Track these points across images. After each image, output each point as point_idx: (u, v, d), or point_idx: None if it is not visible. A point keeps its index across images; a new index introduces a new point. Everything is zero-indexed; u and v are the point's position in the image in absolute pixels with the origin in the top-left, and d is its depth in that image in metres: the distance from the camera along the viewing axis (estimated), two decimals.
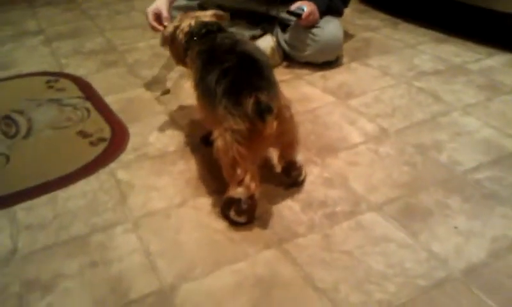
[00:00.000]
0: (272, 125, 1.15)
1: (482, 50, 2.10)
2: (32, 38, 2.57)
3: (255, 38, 2.12)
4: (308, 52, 2.00)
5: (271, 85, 1.20)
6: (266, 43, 2.07)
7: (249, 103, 1.12)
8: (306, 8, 1.94)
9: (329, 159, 1.47)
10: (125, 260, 1.15)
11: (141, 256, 1.16)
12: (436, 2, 2.30)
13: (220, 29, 1.43)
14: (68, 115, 1.77)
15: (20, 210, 1.34)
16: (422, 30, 2.33)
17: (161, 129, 1.67)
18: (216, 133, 1.19)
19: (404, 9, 2.50)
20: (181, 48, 1.46)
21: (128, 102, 1.85)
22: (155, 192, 1.38)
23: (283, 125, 1.21)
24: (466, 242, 1.16)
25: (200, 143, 1.56)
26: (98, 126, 1.69)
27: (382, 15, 2.56)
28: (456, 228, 1.20)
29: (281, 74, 2.00)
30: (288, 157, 1.35)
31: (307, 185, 1.37)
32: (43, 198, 1.38)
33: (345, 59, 2.08)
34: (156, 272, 1.12)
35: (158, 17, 1.81)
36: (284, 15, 2.02)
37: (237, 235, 1.21)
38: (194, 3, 2.19)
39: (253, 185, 1.17)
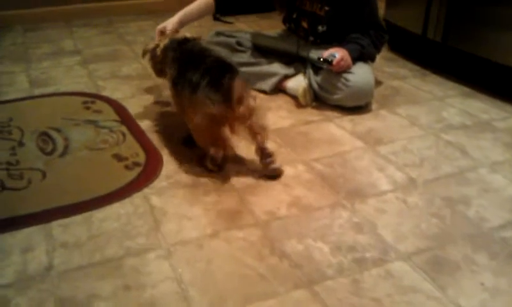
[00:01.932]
0: (241, 109, 1.53)
1: (509, 108, 2.13)
2: (70, 58, 2.65)
3: (287, 77, 2.18)
4: (339, 96, 2.05)
5: (240, 80, 1.55)
6: (298, 83, 2.13)
7: (227, 92, 1.50)
8: (338, 54, 2.00)
9: (358, 204, 1.50)
10: (158, 287, 1.18)
11: (174, 284, 1.19)
12: (464, 58, 2.35)
13: (187, 41, 1.78)
14: (104, 137, 1.82)
15: (56, 227, 1.38)
16: (450, 83, 2.38)
17: (193, 159, 1.71)
18: (196, 116, 1.54)
19: (433, 61, 2.55)
20: (159, 62, 1.85)
21: (163, 129, 1.90)
22: (188, 221, 1.41)
23: (250, 110, 1.56)
24: (492, 299, 1.17)
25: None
26: (133, 150, 1.74)
27: (410, 65, 2.61)
28: (482, 284, 1.22)
29: (310, 115, 2.05)
30: (259, 143, 1.62)
31: (336, 228, 1.39)
32: (79, 217, 1.42)
33: (374, 106, 2.13)
34: (188, 302, 1.14)
35: (163, 34, 2.02)
36: (314, 57, 2.09)
37: (268, 272, 1.23)
38: (233, 40, 2.27)
39: (226, 147, 1.60)
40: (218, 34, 2.34)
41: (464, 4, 2.29)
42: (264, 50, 2.28)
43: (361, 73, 2.05)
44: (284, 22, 2.38)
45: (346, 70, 2.03)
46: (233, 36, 2.30)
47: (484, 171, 1.69)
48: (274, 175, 1.64)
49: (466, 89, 2.31)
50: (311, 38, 2.24)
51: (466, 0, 2.27)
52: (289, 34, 2.35)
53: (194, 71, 1.55)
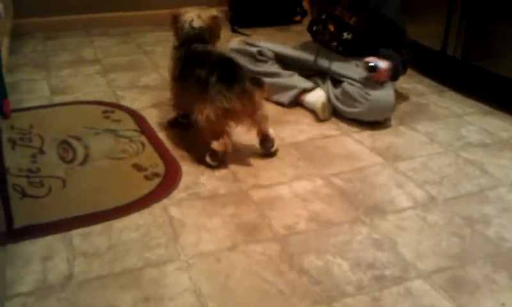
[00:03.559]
0: (250, 104, 1.69)
1: None
2: (89, 67, 2.68)
3: (306, 91, 2.19)
4: (359, 110, 2.05)
5: (246, 78, 1.69)
6: (317, 97, 2.14)
7: (240, 89, 1.65)
8: (384, 65, 2.03)
9: (377, 220, 1.50)
10: (177, 299, 1.18)
11: (192, 297, 1.19)
12: (483, 75, 2.34)
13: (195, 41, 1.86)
14: (124, 147, 1.83)
15: (77, 236, 1.39)
16: (469, 100, 2.37)
17: (212, 171, 1.71)
18: (207, 109, 1.65)
19: (451, 78, 2.54)
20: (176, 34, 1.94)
21: (181, 140, 1.91)
22: (206, 233, 1.41)
23: (255, 105, 1.71)
24: None
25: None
26: (152, 161, 1.75)
27: (428, 81, 2.60)
28: (503, 305, 1.20)
29: (328, 129, 2.05)
30: (263, 129, 1.80)
31: (356, 245, 1.39)
32: (99, 226, 1.43)
33: (393, 122, 2.12)
34: None
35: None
36: (335, 69, 2.11)
37: (286, 288, 1.23)
38: (254, 50, 2.27)
39: (229, 144, 1.72)
40: (240, 42, 2.35)
41: (484, 21, 2.28)
42: (283, 60, 2.29)
43: (382, 89, 2.04)
44: (310, 26, 2.39)
45: (382, 82, 2.05)
46: (255, 46, 2.31)
47: (504, 190, 1.67)
48: (270, 153, 1.84)
49: (485, 107, 2.30)
50: (334, 44, 2.25)
51: (486, 17, 2.27)
52: (310, 45, 2.35)
53: (201, 68, 1.70)
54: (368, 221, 1.49)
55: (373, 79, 2.04)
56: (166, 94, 2.33)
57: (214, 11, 1.94)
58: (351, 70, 2.15)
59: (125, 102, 2.23)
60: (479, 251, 1.38)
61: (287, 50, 2.35)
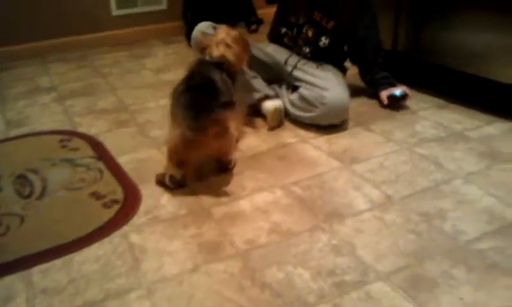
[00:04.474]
0: (209, 139, 1.61)
1: (482, 117, 2.17)
2: (45, 95, 2.65)
3: (268, 97, 2.19)
4: (315, 114, 2.07)
5: (218, 107, 1.59)
6: (271, 103, 2.14)
7: (203, 124, 1.57)
8: (402, 91, 2.29)
9: (336, 225, 1.52)
10: None
11: None
12: (435, 70, 2.39)
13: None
14: (82, 176, 1.82)
15: (37, 273, 1.37)
16: (423, 96, 2.42)
17: (172, 191, 1.71)
18: (171, 130, 1.65)
19: (404, 75, 2.59)
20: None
21: (139, 163, 1.91)
22: (168, 257, 1.41)
23: (221, 140, 1.65)
24: None
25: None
26: (111, 187, 1.74)
27: None
28: (461, 299, 1.23)
29: (287, 137, 2.07)
30: (223, 159, 1.79)
31: (316, 253, 1.40)
32: (59, 261, 1.41)
33: (348, 124, 2.15)
34: None
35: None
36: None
37: (249, 304, 1.24)
38: None
39: (188, 176, 1.72)
40: (208, 27, 2.21)
41: (431, 17, 2.34)
42: (254, 61, 2.25)
43: (337, 91, 2.07)
44: (273, 32, 2.40)
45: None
46: None
47: (459, 182, 1.71)
48: (229, 169, 1.83)
49: (439, 101, 2.35)
50: (307, 50, 2.27)
51: (432, 12, 2.32)
52: (278, 49, 2.36)
53: (182, 91, 1.65)
54: (328, 227, 1.51)
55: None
56: (124, 117, 2.34)
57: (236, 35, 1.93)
58: (311, 74, 2.17)
59: (82, 129, 2.22)
60: (436, 247, 1.42)
61: (259, 51, 2.32)
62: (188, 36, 3.48)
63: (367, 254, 1.39)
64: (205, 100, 1.61)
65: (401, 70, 2.59)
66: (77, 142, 2.08)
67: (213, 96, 1.63)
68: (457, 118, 2.18)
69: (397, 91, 2.29)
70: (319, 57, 2.26)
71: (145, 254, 1.43)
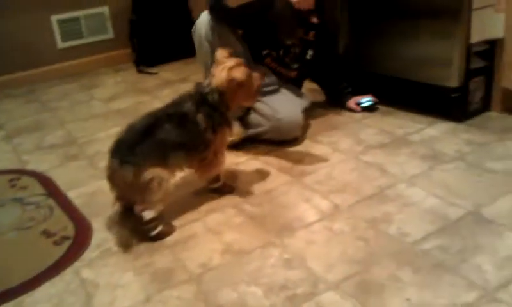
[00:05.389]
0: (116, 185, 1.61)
1: (423, 119, 2.26)
2: None
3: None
4: (267, 128, 2.11)
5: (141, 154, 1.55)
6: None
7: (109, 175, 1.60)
8: (370, 98, 2.40)
9: (287, 239, 1.55)
10: None
11: None
12: (378, 79, 2.47)
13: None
14: (31, 214, 1.79)
15: None
16: None
17: (123, 222, 1.71)
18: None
19: (350, 86, 2.66)
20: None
21: (90, 196, 1.90)
22: (120, 290, 1.41)
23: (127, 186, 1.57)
24: None
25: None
26: (61, 224, 1.72)
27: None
28: (408, 299, 1.28)
29: (238, 156, 2.10)
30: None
31: (268, 269, 1.43)
32: (9, 305, 1.39)
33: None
34: None
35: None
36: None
37: None
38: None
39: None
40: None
41: (369, 29, 2.42)
42: None
43: (289, 108, 2.11)
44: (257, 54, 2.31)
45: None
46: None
47: (402, 186, 1.77)
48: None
49: (383, 109, 2.42)
50: (295, 66, 2.29)
51: (371, 24, 2.41)
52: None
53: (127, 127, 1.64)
54: (279, 242, 1.54)
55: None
56: (73, 150, 2.32)
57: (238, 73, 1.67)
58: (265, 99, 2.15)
59: (30, 166, 2.19)
60: (382, 251, 1.46)
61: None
62: (137, 63, 3.50)
63: (318, 265, 1.43)
64: (131, 145, 1.56)
65: (345, 80, 2.66)
66: (26, 180, 2.05)
67: (148, 140, 1.57)
68: (400, 123, 2.26)
69: (363, 99, 2.42)
70: (306, 70, 2.33)
71: (97, 289, 1.42)
